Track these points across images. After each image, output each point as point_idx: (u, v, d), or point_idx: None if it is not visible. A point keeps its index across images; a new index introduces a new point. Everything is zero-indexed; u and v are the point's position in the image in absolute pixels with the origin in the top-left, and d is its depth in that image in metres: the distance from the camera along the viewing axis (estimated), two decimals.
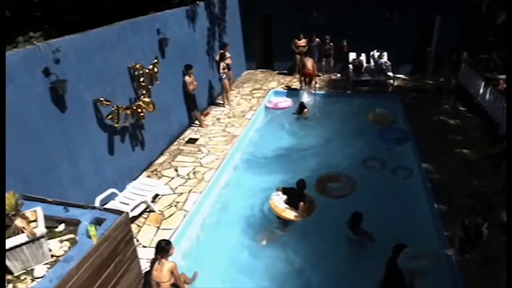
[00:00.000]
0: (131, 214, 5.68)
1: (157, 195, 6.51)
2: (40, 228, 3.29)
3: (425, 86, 11.88)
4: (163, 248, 4.23)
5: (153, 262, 4.28)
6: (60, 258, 3.44)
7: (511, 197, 4.25)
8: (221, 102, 10.91)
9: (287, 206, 6.24)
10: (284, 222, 6.19)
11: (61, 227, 3.84)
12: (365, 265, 5.27)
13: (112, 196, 5.95)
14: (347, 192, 6.84)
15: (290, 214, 6.12)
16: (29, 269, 3.30)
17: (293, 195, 6.24)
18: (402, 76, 12.74)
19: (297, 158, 8.23)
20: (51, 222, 3.83)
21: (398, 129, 9.07)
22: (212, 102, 10.94)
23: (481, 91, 9.24)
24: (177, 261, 4.89)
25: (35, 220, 3.43)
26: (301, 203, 6.07)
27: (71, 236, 3.74)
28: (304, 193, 6.25)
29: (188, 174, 7.28)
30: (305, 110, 10.37)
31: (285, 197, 6.38)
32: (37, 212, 3.49)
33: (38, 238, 3.26)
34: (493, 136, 7.88)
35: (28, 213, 3.47)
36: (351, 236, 5.55)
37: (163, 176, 7.25)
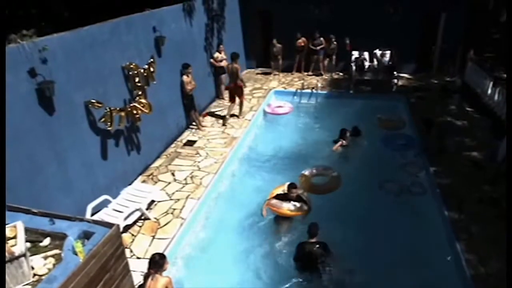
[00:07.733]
0: (124, 223, 5.39)
1: (152, 201, 6.20)
2: (19, 247, 2.99)
3: (430, 85, 11.55)
4: (157, 263, 3.93)
5: (146, 277, 3.97)
6: (43, 277, 3.14)
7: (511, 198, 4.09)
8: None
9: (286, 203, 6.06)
10: (283, 222, 6.04)
11: (46, 241, 3.53)
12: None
13: (105, 203, 5.65)
14: (334, 186, 6.77)
15: (289, 210, 5.96)
16: None
17: (284, 198, 6.09)
18: (406, 75, 12.41)
19: (300, 161, 7.90)
20: (36, 236, 3.53)
21: (405, 135, 8.70)
22: (211, 102, 10.63)
23: (489, 91, 8.91)
24: (173, 274, 4.62)
25: (14, 237, 3.12)
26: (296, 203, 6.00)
27: (57, 251, 3.43)
28: (294, 194, 6.08)
29: (185, 179, 6.96)
30: None
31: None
32: (17, 228, 3.19)
33: (17, 258, 2.96)
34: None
35: (7, 229, 3.16)
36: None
37: (159, 180, 6.93)
